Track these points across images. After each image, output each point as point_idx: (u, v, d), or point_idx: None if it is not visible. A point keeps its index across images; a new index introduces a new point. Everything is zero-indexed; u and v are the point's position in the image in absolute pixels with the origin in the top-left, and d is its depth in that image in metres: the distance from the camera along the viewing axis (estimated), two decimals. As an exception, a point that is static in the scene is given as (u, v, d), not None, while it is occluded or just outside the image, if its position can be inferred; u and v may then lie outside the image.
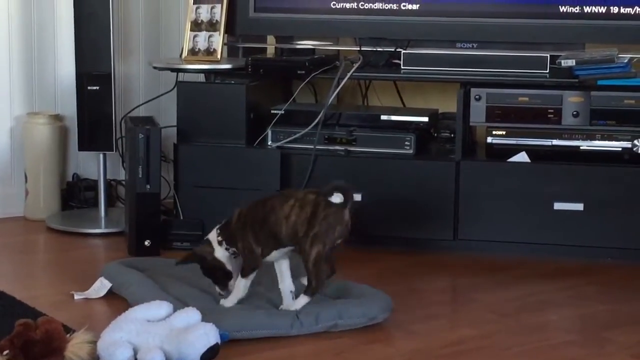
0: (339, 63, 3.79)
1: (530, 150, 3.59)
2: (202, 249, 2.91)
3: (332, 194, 2.79)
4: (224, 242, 2.88)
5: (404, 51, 3.79)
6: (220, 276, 2.90)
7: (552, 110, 3.59)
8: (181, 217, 3.72)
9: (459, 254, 3.62)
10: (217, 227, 2.91)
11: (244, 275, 2.86)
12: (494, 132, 3.63)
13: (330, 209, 2.78)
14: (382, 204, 3.63)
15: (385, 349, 2.70)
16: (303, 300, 2.81)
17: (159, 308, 2.63)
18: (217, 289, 2.92)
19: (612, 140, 3.56)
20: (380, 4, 3.81)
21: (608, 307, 3.09)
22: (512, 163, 3.58)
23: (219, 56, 3.88)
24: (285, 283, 2.88)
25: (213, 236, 2.90)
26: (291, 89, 4.07)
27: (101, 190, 4.02)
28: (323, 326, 2.78)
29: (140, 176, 3.55)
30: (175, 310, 2.63)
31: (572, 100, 3.58)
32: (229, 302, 2.87)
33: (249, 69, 3.77)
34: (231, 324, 2.69)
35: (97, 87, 3.89)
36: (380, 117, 3.80)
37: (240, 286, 2.87)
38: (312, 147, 3.68)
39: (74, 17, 3.87)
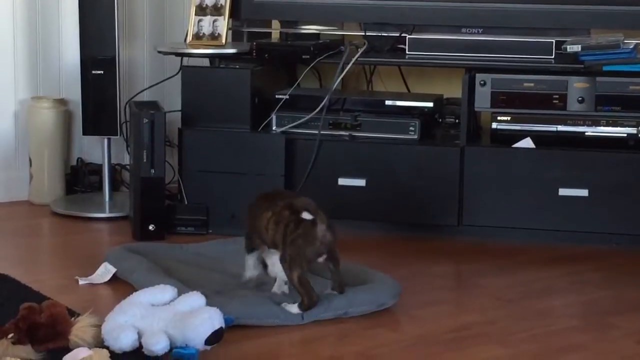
0: (344, 48, 3.78)
1: (535, 136, 3.58)
2: None
3: (302, 212, 2.72)
4: None
5: (409, 36, 3.78)
6: None
7: (557, 96, 3.58)
8: (185, 202, 3.72)
9: (463, 240, 3.62)
10: None
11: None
12: (498, 118, 3.62)
13: (298, 230, 2.69)
14: (386, 190, 3.63)
15: (389, 334, 2.70)
16: (295, 310, 2.73)
17: (163, 292, 2.63)
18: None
19: (617, 126, 3.55)
20: (385, -11, 3.81)
21: (612, 292, 3.09)
22: (516, 149, 3.58)
23: (223, 40, 3.87)
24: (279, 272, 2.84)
25: None
26: (296, 73, 4.06)
27: (105, 175, 4.02)
28: (333, 314, 2.78)
29: (144, 161, 3.55)
30: (179, 294, 2.63)
31: (577, 86, 3.57)
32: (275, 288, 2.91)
33: (254, 54, 3.77)
34: (240, 310, 2.69)
35: (102, 72, 3.88)
36: (384, 103, 3.80)
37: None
38: (316, 132, 3.67)
39: (79, 0, 3.86)
